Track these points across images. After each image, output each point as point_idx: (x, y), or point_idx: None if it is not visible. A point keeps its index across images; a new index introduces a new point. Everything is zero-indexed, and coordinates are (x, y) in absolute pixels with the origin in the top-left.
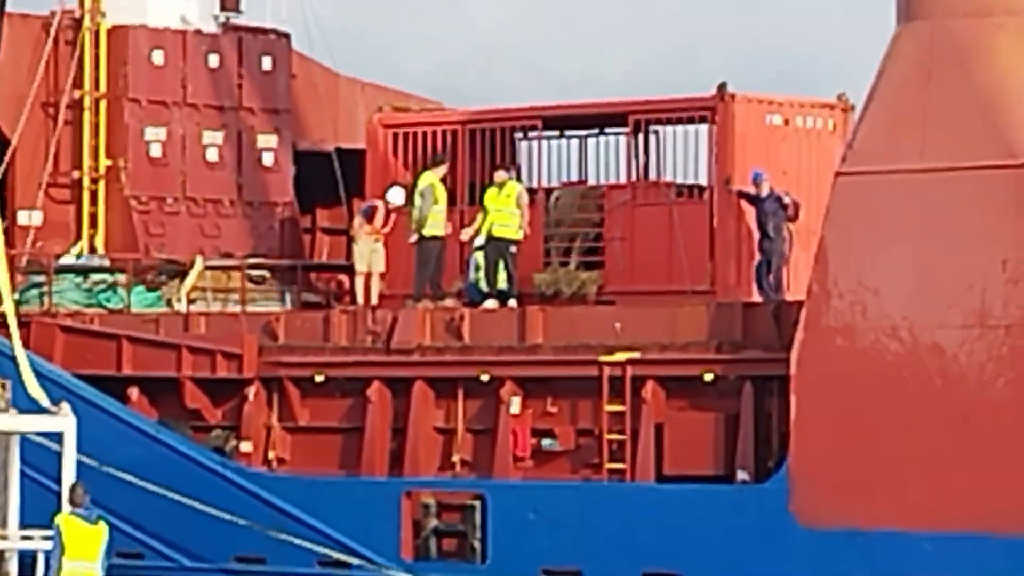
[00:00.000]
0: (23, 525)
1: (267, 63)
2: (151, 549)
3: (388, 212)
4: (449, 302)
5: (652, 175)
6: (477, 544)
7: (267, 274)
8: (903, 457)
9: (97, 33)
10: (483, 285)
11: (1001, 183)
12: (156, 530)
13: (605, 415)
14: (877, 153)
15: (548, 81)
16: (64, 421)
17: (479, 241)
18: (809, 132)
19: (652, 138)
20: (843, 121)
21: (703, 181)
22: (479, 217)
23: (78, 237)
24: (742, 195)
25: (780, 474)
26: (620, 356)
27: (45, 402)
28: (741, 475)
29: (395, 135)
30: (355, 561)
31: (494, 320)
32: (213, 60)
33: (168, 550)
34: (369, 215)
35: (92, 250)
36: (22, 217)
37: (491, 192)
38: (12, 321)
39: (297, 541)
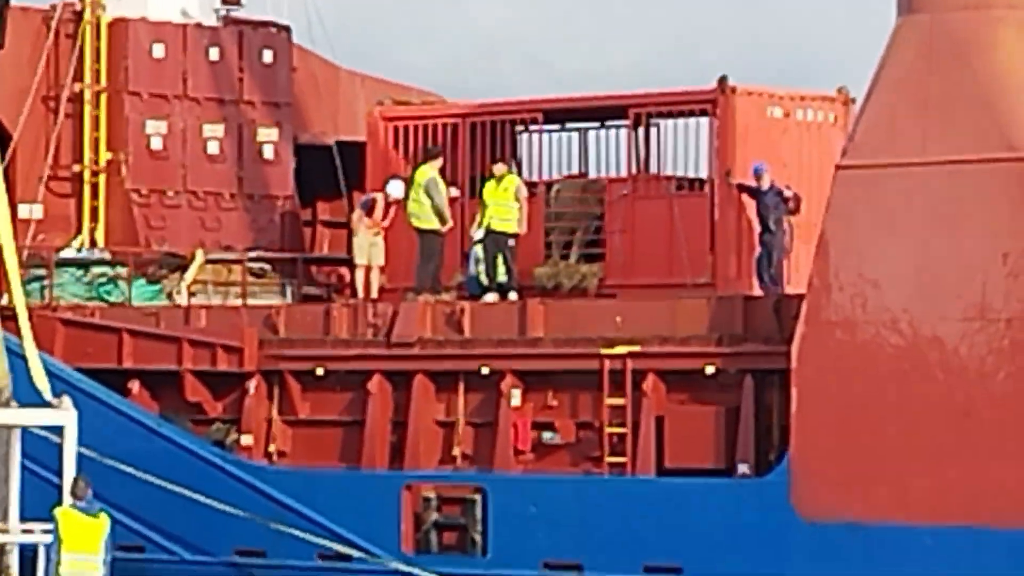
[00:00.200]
0: (24, 518)
1: (268, 56)
2: (152, 542)
3: (388, 205)
4: (446, 296)
5: (653, 168)
6: (478, 537)
7: (268, 267)
8: (904, 450)
9: (98, 26)
10: (483, 279)
11: (1002, 176)
12: (157, 523)
13: (606, 408)
14: (878, 146)
15: (549, 74)
16: (65, 415)
17: (479, 235)
18: (810, 125)
19: (653, 131)
20: (844, 114)
21: (704, 174)
22: (479, 211)
23: (79, 230)
24: (743, 188)
25: (781, 467)
26: (621, 349)
27: (48, 396)
28: (742, 468)
29: (396, 128)
30: (355, 554)
31: (495, 313)
32: (214, 53)
33: (169, 543)
34: (369, 208)
35: (93, 243)
36: (23, 211)
37: (489, 185)
38: (22, 314)
39: (297, 534)
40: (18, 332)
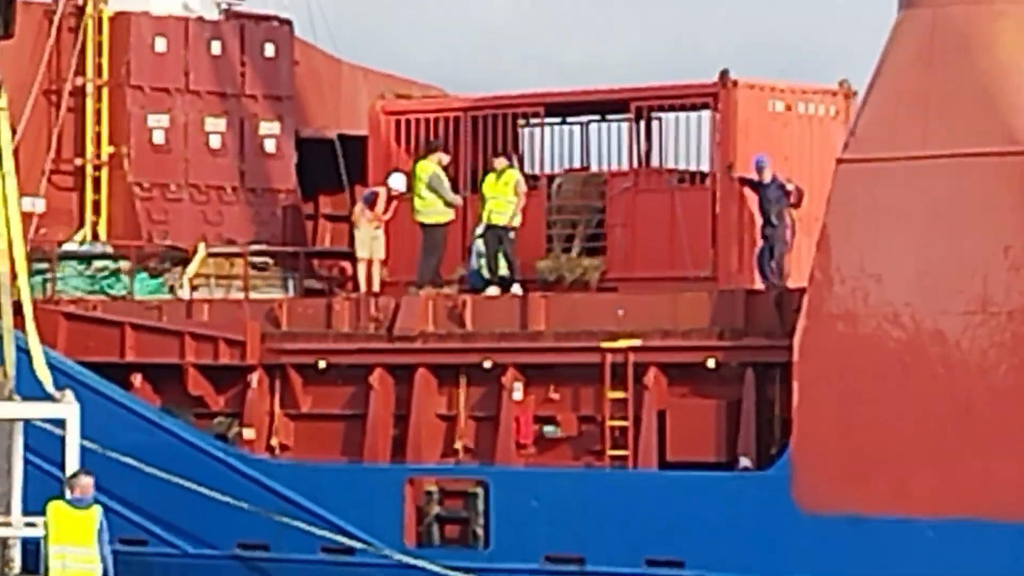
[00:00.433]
0: (27, 512)
1: (269, 50)
2: (155, 536)
3: (390, 198)
4: (448, 290)
5: (654, 162)
6: (480, 531)
7: (270, 261)
8: (905, 443)
9: (100, 20)
10: (485, 272)
11: (1003, 170)
12: (160, 517)
13: (607, 402)
14: (879, 140)
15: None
16: (67, 408)
17: (479, 228)
18: (811, 119)
19: (654, 125)
20: (845, 108)
21: (705, 168)
22: (479, 205)
23: (81, 224)
24: (745, 181)
25: (782, 461)
26: (622, 343)
27: (51, 389)
28: (743, 462)
29: (397, 122)
30: (358, 546)
31: (496, 307)
32: (215, 47)
33: (171, 537)
34: (371, 202)
35: (95, 237)
36: (25, 204)
37: (489, 179)
38: (28, 308)
39: (300, 527)
40: (21, 326)
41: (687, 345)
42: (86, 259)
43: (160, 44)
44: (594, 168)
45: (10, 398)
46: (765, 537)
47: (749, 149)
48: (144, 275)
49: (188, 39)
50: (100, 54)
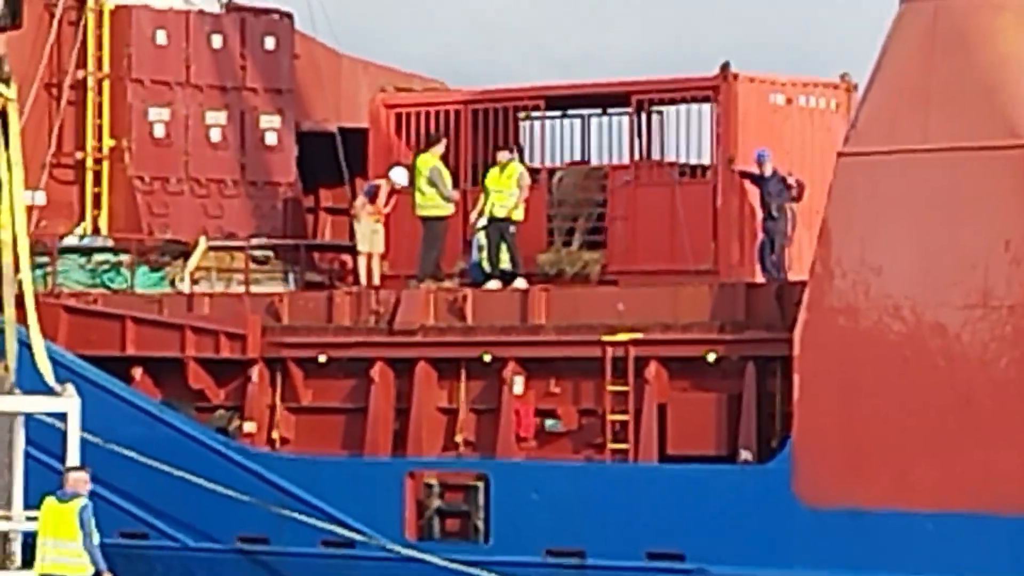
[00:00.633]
0: (28, 506)
1: (270, 43)
2: (155, 529)
3: (391, 192)
4: (448, 283)
5: (655, 155)
6: (480, 524)
7: (270, 254)
8: (906, 437)
9: (100, 13)
10: (486, 266)
11: (1004, 163)
12: (160, 510)
13: (608, 395)
14: (880, 133)
15: (551, 61)
16: (68, 402)
17: (481, 222)
18: (812, 112)
19: (655, 118)
20: (846, 101)
21: (706, 161)
22: (482, 198)
23: (82, 218)
24: (745, 175)
25: (783, 454)
26: (623, 336)
27: (52, 383)
28: (744, 455)
29: (398, 115)
30: (359, 539)
31: (497, 300)
32: (216, 40)
33: (172, 530)
34: (372, 195)
35: (96, 231)
36: (26, 197)
37: (492, 172)
38: (30, 301)
39: (301, 521)
40: (22, 319)
41: (688, 338)
42: (87, 252)
43: (161, 37)
44: (595, 161)
45: (11, 392)
46: (766, 530)
47: (750, 142)
48: (145, 268)
49: (189, 32)
50: (101, 47)
